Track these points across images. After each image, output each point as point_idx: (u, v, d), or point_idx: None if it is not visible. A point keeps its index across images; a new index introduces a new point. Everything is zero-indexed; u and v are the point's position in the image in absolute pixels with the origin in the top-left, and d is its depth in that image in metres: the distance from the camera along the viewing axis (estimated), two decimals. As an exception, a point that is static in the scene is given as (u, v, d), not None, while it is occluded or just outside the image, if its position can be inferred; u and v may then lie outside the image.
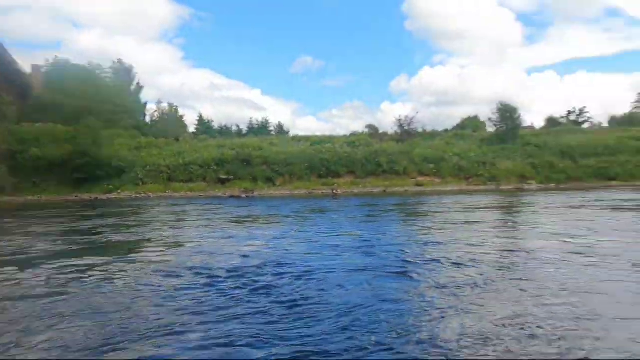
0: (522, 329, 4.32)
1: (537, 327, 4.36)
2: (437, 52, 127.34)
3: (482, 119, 53.21)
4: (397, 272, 6.47)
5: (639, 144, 37.99)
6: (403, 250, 8.12)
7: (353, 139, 45.38)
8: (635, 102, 45.69)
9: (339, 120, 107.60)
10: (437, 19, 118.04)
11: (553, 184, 35.65)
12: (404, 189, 36.14)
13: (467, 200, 23.05)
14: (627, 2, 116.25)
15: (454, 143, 43.64)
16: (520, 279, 5.98)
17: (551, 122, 55.93)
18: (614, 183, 34.07)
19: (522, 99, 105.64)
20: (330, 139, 45.88)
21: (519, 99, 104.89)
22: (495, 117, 44.31)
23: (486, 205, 19.69)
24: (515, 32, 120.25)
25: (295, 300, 5.22)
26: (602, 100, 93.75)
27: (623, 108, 55.44)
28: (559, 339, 4.05)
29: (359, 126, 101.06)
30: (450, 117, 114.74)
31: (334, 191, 33.68)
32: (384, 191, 35.39)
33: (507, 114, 43.23)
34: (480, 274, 6.22)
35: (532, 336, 4.12)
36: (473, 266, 6.72)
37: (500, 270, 6.51)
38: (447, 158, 40.14)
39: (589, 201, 19.12)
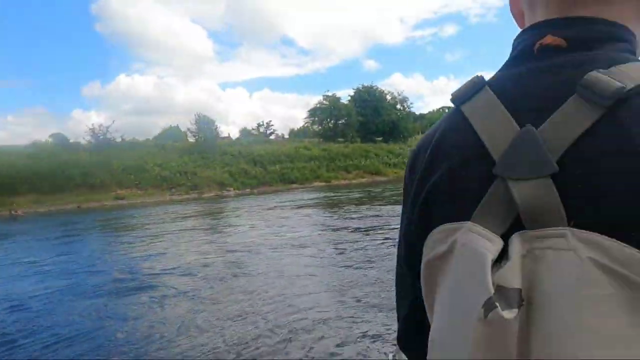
0: (249, 317, 4.95)
1: (263, 309, 5.10)
2: (135, 60, 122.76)
3: (183, 129, 54.44)
4: (130, 289, 6.20)
5: (310, 153, 46.45)
6: (128, 266, 7.75)
7: (36, 150, 38.92)
8: (306, 118, 55.55)
9: (17, 128, 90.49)
10: (132, 26, 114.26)
11: (248, 189, 39.64)
12: (102, 203, 33.30)
13: (175, 209, 23.25)
14: (297, 34, 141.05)
15: (155, 153, 43.03)
16: (247, 274, 6.68)
17: (244, 133, 62.27)
18: (294, 185, 40.55)
19: (219, 111, 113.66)
20: (5, 150, 38.00)
21: (216, 111, 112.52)
22: (194, 127, 46.11)
23: (196, 213, 20.39)
24: (208, 49, 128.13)
25: (11, 335, 4.37)
26: (284, 115, 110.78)
27: (298, 123, 67.05)
28: (276, 326, 4.83)
29: (43, 135, 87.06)
30: (152, 126, 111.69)
31: (13, 212, 28.12)
32: (78, 207, 31.78)
33: (205, 125, 45.65)
34: (212, 276, 6.63)
35: (257, 324, 4.79)
36: (203, 270, 7.06)
37: (229, 268, 7.08)
38: (149, 168, 39.21)
39: (280, 202, 22.29)
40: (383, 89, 56.37)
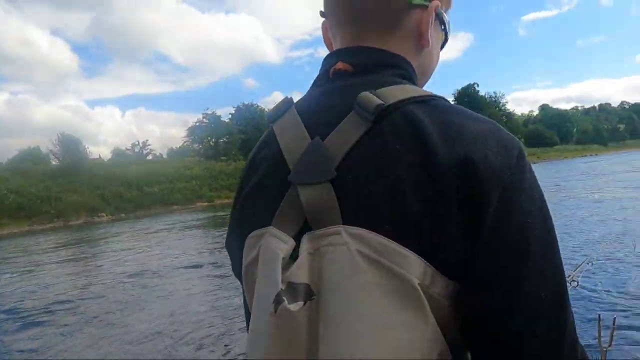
0: (164, 337, 5.04)
1: (178, 328, 5.19)
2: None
3: (44, 151, 48.93)
4: (26, 324, 5.76)
5: (191, 172, 44.84)
6: (12, 300, 7.05)
7: None
8: (185, 137, 53.72)
9: None
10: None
11: (123, 214, 36.92)
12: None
13: (44, 239, 20.86)
14: (173, 50, 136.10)
15: (9, 178, 38.06)
16: (152, 297, 6.59)
17: (117, 153, 57.96)
18: (175, 207, 38.76)
19: (87, 130, 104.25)
20: None
21: (84, 130, 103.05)
22: (57, 149, 41.92)
23: (70, 243, 18.59)
24: (72, 64, 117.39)
25: None
26: (161, 134, 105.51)
27: (177, 142, 64.01)
28: (199, 346, 4.96)
29: None
30: (5, 149, 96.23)
31: None
32: None
33: (71, 145, 41.79)
34: (117, 301, 6.44)
35: (176, 346, 4.87)
36: (105, 296, 6.83)
37: (132, 292, 6.90)
38: (1, 196, 34.56)
39: (166, 225, 21.34)
40: (263, 107, 57.23)
